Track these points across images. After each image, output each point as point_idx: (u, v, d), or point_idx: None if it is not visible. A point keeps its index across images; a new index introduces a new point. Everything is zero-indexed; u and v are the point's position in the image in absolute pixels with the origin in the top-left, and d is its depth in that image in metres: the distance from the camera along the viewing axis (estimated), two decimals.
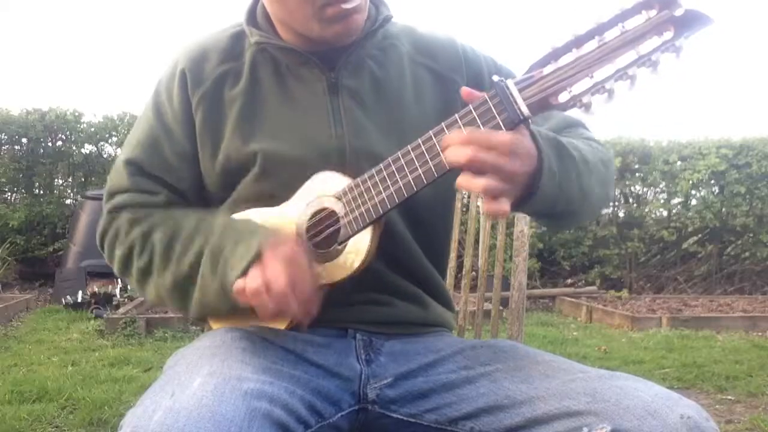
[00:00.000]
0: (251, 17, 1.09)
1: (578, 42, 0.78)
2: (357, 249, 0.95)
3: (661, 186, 6.49)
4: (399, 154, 0.89)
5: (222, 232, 0.97)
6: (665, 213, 6.60)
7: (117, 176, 1.08)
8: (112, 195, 1.08)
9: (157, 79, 1.11)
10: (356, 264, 0.95)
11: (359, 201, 0.92)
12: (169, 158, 1.06)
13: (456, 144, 0.82)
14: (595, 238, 6.28)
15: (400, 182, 0.89)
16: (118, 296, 4.84)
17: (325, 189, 0.97)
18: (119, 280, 5.02)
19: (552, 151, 0.89)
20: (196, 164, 1.06)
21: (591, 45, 0.77)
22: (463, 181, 0.82)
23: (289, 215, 0.99)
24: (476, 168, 0.81)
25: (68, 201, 6.33)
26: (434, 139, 0.85)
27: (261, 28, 1.07)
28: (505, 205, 0.82)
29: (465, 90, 0.85)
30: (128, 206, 1.05)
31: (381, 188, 0.90)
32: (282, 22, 1.05)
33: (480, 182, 0.81)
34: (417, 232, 1.07)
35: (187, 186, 1.07)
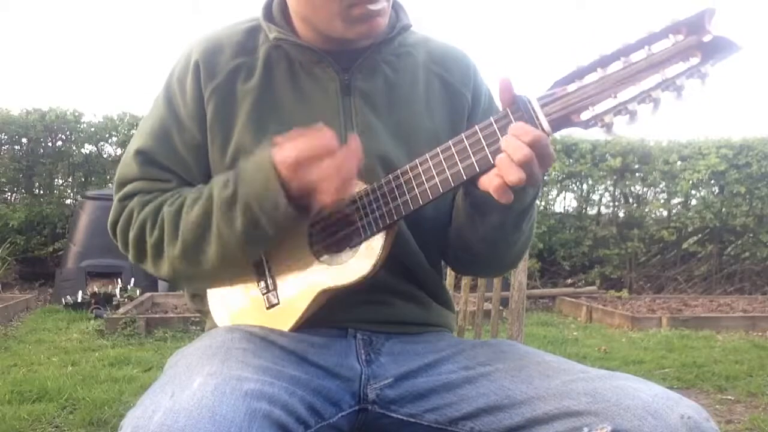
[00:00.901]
0: (267, 13, 1.09)
1: (603, 62, 0.78)
2: (368, 253, 0.94)
3: (661, 186, 6.49)
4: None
5: (230, 182, 0.94)
6: (665, 213, 6.61)
7: (127, 166, 1.07)
8: (122, 185, 1.06)
9: (169, 71, 1.11)
10: (367, 269, 0.94)
11: (379, 203, 0.93)
12: (179, 149, 1.06)
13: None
14: (595, 238, 6.28)
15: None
16: (118, 296, 4.84)
17: None
18: (119, 280, 5.02)
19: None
20: (206, 156, 1.06)
21: (616, 66, 0.77)
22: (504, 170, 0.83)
23: None
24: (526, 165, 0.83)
25: (68, 201, 6.33)
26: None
27: (277, 25, 1.07)
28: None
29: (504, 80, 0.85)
30: (139, 192, 1.04)
31: (405, 190, 0.91)
32: (304, 18, 1.04)
33: (521, 176, 0.83)
34: (417, 233, 1.07)
35: (195, 178, 1.06)
